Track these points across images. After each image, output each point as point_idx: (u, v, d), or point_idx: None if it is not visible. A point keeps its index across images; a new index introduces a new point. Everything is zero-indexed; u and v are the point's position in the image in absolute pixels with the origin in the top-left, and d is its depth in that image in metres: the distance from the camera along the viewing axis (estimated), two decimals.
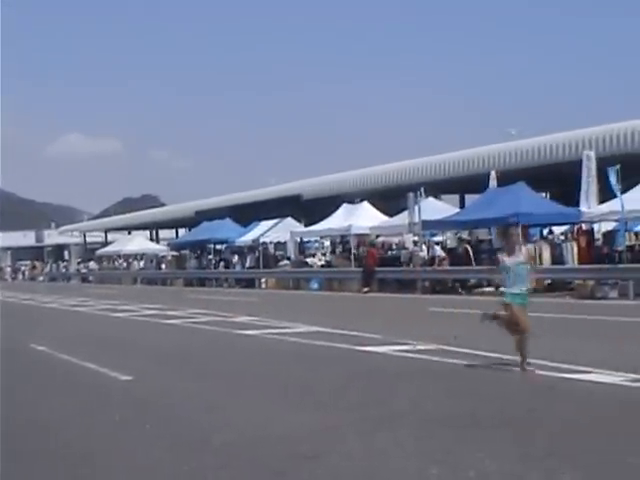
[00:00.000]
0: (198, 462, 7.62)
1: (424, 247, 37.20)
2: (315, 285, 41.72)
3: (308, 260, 45.53)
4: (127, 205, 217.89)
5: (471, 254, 34.84)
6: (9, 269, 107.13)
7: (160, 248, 71.90)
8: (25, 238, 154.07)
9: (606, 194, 31.74)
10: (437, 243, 39.24)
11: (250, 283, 47.61)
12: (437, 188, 46.45)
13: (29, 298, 44.28)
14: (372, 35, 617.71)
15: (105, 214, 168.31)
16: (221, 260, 53.66)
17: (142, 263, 68.09)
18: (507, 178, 36.66)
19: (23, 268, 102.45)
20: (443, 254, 37.14)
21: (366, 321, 21.76)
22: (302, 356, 15.25)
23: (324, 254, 46.16)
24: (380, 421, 9.10)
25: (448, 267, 35.43)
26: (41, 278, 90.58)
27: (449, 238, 41.40)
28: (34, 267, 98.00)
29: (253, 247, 49.61)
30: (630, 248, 32.13)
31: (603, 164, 32.07)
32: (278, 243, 49.86)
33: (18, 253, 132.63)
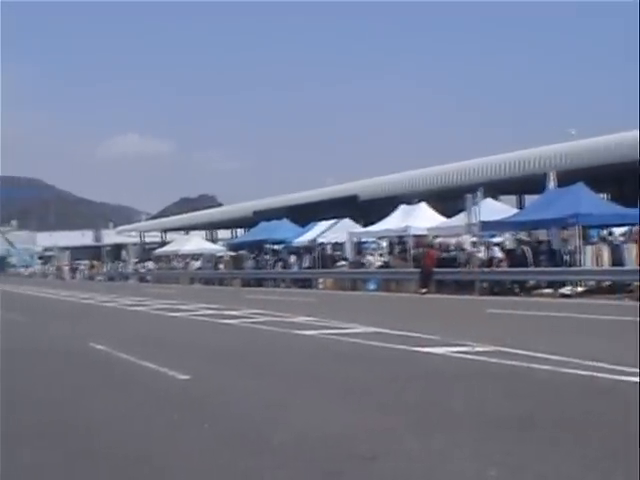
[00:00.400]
0: (256, 461, 7.64)
1: (482, 248, 36.99)
2: (372, 286, 41.65)
3: (365, 261, 45.43)
4: (185, 205, 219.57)
5: (530, 255, 34.58)
6: (67, 268, 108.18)
7: (217, 248, 72.21)
8: (83, 238, 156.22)
9: None
10: (496, 244, 38.95)
11: (307, 283, 47.65)
12: (495, 189, 46.13)
13: (88, 297, 44.69)
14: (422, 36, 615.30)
15: (163, 214, 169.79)
16: (278, 260, 53.76)
17: (199, 263, 68.36)
18: (566, 179, 36.33)
19: (81, 267, 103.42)
20: (501, 255, 36.88)
21: (424, 322, 21.67)
22: (360, 357, 15.22)
23: (381, 255, 46.00)
24: (438, 422, 9.06)
25: (506, 268, 35.20)
26: (99, 278, 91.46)
27: (508, 239, 41.09)
28: (92, 266, 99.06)
29: (310, 247, 49.65)
30: None
31: None
32: (336, 244, 49.78)
33: (76, 253, 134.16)
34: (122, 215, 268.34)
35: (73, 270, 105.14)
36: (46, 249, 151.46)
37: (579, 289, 31.86)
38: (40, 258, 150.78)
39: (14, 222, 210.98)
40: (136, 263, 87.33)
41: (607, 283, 30.75)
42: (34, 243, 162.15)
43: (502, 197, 51.17)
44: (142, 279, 77.86)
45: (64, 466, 7.94)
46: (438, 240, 41.67)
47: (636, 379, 10.98)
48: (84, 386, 13.12)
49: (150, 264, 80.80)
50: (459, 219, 38.57)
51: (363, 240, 48.21)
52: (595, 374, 11.63)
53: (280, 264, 53.02)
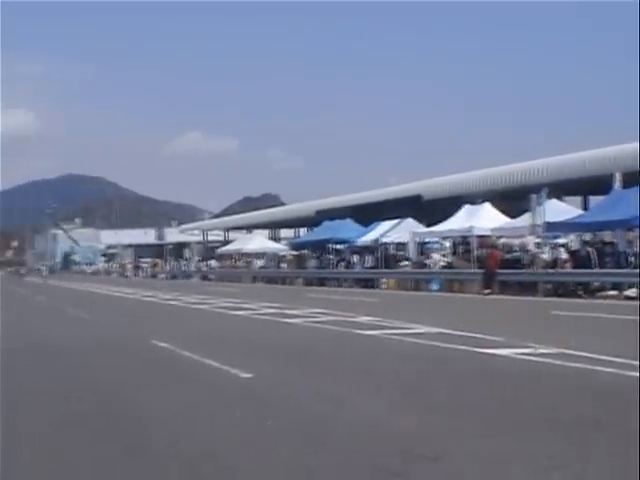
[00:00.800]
0: (319, 460, 7.67)
1: (546, 249, 36.70)
2: (435, 286, 41.52)
3: (429, 261, 45.29)
4: (248, 204, 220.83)
5: (594, 257, 34.26)
6: (130, 266, 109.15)
7: (280, 247, 72.42)
8: (146, 236, 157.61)
9: None
10: (561, 245, 38.60)
11: (370, 283, 47.60)
12: (560, 189, 45.70)
13: (150, 295, 45.13)
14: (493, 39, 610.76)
15: (226, 213, 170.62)
16: (341, 260, 53.76)
17: (262, 262, 68.59)
18: (632, 180, 35.89)
19: (144, 265, 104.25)
20: (566, 256, 36.56)
21: (487, 323, 21.57)
22: (423, 357, 15.20)
23: (444, 255, 45.83)
24: (502, 424, 9.02)
25: (571, 270, 34.90)
26: (162, 275, 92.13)
27: (572, 240, 40.70)
28: (155, 264, 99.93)
29: (373, 247, 49.58)
30: None
31: None
32: (399, 243, 49.67)
33: (139, 250, 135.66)
34: (185, 213, 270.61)
35: (136, 268, 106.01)
36: (109, 247, 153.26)
37: None
38: (103, 256, 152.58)
39: (78, 220, 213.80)
40: (199, 261, 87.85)
41: None
42: (98, 241, 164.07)
43: (567, 198, 50.66)
44: (204, 277, 78.32)
45: (127, 461, 8.04)
46: (502, 241, 41.43)
47: None
48: (146, 384, 13.26)
49: (213, 262, 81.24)
50: (523, 220, 38.32)
51: (426, 240, 48.06)
52: None
53: (343, 264, 53.04)
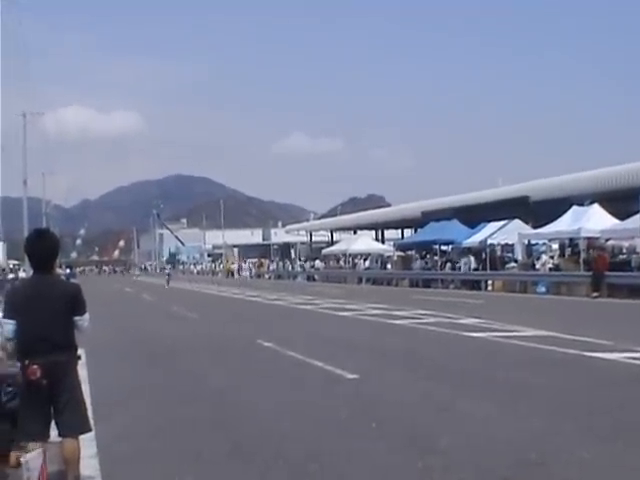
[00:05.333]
0: (424, 463, 7.69)
1: None
2: (542, 288, 41.03)
3: (538, 262, 44.76)
4: (354, 205, 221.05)
5: None
6: (236, 266, 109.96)
7: (385, 248, 72.22)
8: (252, 236, 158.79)
9: None
10: None
11: (476, 285, 47.23)
12: None
13: (255, 295, 45.56)
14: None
15: (332, 213, 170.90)
16: (447, 261, 53.45)
17: (367, 263, 68.53)
18: None
19: (250, 265, 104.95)
20: None
21: (595, 327, 21.24)
22: (529, 360, 15.07)
23: (552, 257, 45.23)
24: (610, 431, 8.92)
25: None
26: (267, 276, 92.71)
27: None
28: (261, 264, 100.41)
29: (480, 249, 49.19)
30: None
31: None
32: (505, 245, 49.19)
33: (245, 250, 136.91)
34: (290, 213, 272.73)
35: (241, 268, 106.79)
36: (215, 247, 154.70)
37: None
38: (209, 256, 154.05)
39: (184, 220, 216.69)
40: (304, 262, 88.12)
41: None
42: (203, 241, 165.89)
43: None
44: (310, 278, 78.59)
45: (234, 461, 8.17)
46: (610, 242, 40.74)
47: None
48: (251, 383, 13.42)
49: (317, 263, 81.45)
50: (633, 221, 37.59)
51: (533, 242, 47.52)
52: None
53: (449, 265, 52.72)
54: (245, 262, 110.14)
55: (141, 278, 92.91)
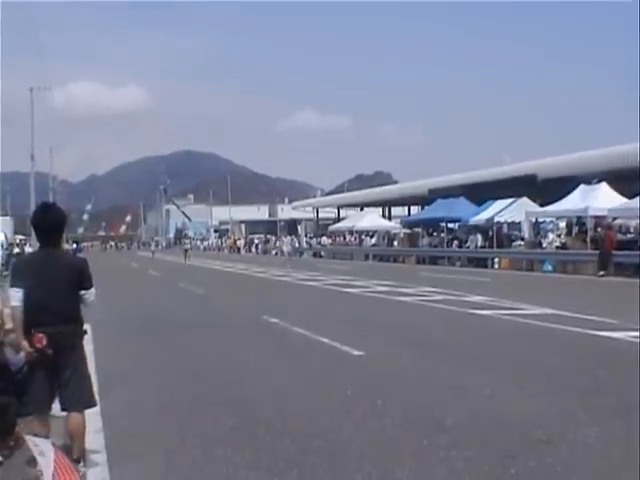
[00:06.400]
0: (429, 441, 7.69)
1: None
2: (549, 267, 40.97)
3: (544, 241, 44.70)
4: (360, 182, 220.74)
5: None
6: (242, 242, 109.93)
7: (392, 225, 72.13)
8: (259, 212, 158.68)
9: None
10: None
11: (483, 263, 47.19)
12: None
13: (262, 271, 45.61)
14: None
15: (338, 190, 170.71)
16: (454, 239, 53.40)
17: (374, 240, 68.46)
18: None
19: (256, 241, 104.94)
20: None
21: (602, 305, 21.20)
22: (536, 338, 15.07)
23: (559, 235, 45.13)
24: (615, 409, 8.91)
25: None
26: (274, 252, 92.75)
27: None
28: (267, 241, 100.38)
29: (487, 226, 49.11)
30: None
31: None
32: (512, 223, 49.08)
33: (252, 227, 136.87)
34: (298, 190, 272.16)
35: (248, 244, 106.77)
36: (222, 223, 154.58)
37: None
38: (216, 231, 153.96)
39: (191, 196, 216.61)
40: (310, 238, 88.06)
41: None
42: (210, 217, 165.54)
43: None
44: (316, 254, 78.58)
45: (237, 432, 8.18)
46: (618, 221, 40.64)
47: None
48: (256, 358, 13.43)
49: (324, 239, 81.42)
50: None
51: (540, 220, 47.43)
52: None
53: (455, 242, 52.67)
54: (252, 241, 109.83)
55: (158, 255, 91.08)
